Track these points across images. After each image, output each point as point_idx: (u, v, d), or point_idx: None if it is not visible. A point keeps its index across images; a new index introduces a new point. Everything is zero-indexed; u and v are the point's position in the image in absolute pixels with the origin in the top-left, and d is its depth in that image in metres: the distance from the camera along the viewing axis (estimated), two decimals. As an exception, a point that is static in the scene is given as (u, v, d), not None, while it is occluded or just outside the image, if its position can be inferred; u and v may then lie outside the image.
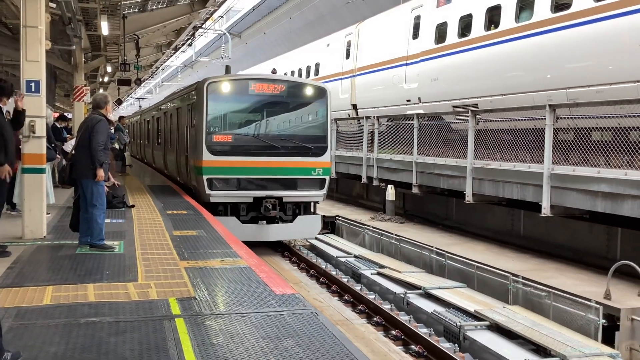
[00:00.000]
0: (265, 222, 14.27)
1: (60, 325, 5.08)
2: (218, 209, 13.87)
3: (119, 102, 42.24)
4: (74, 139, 10.51)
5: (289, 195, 14.36)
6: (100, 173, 7.98)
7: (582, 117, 10.86)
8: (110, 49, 21.70)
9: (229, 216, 13.96)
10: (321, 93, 15.03)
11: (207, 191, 13.65)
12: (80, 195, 8.31)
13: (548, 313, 9.61)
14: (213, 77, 14.45)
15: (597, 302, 8.91)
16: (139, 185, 17.23)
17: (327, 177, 14.73)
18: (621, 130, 9.97)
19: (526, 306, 10.02)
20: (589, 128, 10.60)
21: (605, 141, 10.19)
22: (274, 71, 17.42)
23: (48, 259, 7.62)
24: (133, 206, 12.25)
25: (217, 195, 13.76)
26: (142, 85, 46.85)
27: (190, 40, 29.53)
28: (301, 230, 14.89)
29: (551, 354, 8.02)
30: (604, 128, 10.40)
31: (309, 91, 14.99)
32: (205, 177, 13.59)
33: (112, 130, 15.00)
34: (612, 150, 10.03)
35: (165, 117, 20.41)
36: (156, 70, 42.92)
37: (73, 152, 8.30)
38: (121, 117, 23.42)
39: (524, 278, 10.34)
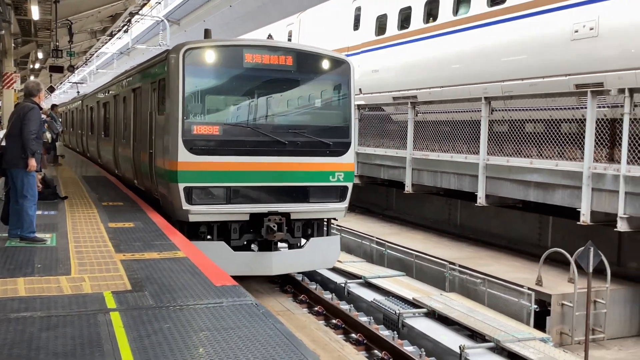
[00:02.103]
0: (259, 247, 10.67)
1: (-12, 321, 4.85)
2: (199, 231, 10.11)
3: (52, 89, 40.74)
4: (4, 129, 9.97)
5: (300, 210, 10.34)
6: (32, 163, 7.64)
7: (517, 110, 11.20)
8: (41, 35, 20.90)
9: (215, 240, 10.02)
10: (343, 68, 10.90)
11: (185, 206, 9.63)
12: (11, 186, 7.96)
13: (483, 299, 9.89)
14: (192, 42, 10.21)
15: (529, 289, 9.23)
16: (72, 176, 16.65)
17: (350, 185, 10.72)
18: (553, 122, 10.32)
19: (462, 293, 10.29)
20: (523, 120, 10.93)
21: (538, 133, 10.53)
22: (269, 37, 13.33)
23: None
24: (66, 197, 11.83)
25: (199, 212, 9.74)
26: (76, 72, 45.33)
27: (126, 27, 28.72)
28: (315, 259, 10.82)
29: (486, 339, 8.26)
30: (537, 120, 10.75)
31: (326, 64, 10.81)
32: (181, 186, 9.60)
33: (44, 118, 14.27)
34: (544, 141, 10.38)
35: (116, 102, 15.82)
36: (90, 57, 41.61)
37: (3, 142, 7.93)
38: (54, 106, 22.56)
39: (460, 266, 10.61)
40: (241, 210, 9.94)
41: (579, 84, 10.41)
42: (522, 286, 9.31)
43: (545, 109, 10.77)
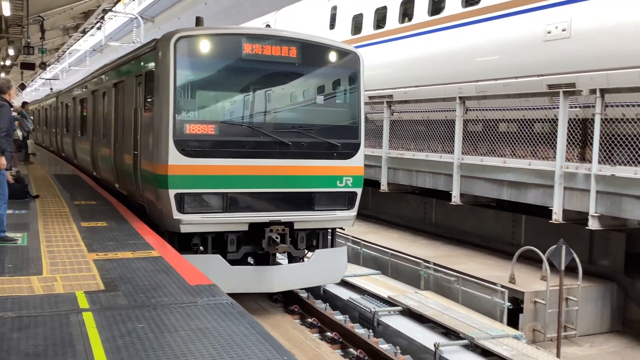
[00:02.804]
0: (256, 261, 9.79)
1: (-44, 322, 4.76)
2: (192, 243, 9.14)
3: (23, 87, 40.05)
4: None
5: (304, 218, 9.40)
6: (2, 161, 7.54)
7: (490, 109, 11.32)
8: (12, 31, 20.48)
9: (209, 254, 9.05)
10: (351, 60, 9.88)
11: (175, 215, 8.67)
12: None
13: (457, 297, 9.98)
14: (184, 29, 9.14)
15: (502, 286, 9.34)
16: (44, 175, 16.40)
17: (359, 191, 9.79)
18: (526, 122, 10.45)
19: (437, 291, 10.37)
20: (497, 120, 11.05)
21: (511, 132, 10.65)
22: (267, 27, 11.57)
23: (-58, 253, 7.11)
24: (37, 196, 11.65)
25: (192, 222, 8.75)
26: (48, 69, 44.63)
27: (99, 24, 28.35)
28: (321, 273, 9.86)
29: (460, 336, 8.33)
30: (511, 120, 10.87)
31: (333, 56, 9.81)
32: (171, 192, 8.61)
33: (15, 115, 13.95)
34: (517, 141, 10.50)
35: (95, 98, 14.66)
36: (63, 54, 41.00)
37: None
38: (24, 103, 22.15)
39: (435, 264, 10.69)
40: (240, 220, 8.98)
41: (552, 84, 10.55)
42: (495, 284, 9.42)
43: (518, 108, 10.90)
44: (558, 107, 9.64)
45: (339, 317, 9.60)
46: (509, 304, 9.20)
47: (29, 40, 21.23)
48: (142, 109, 9.84)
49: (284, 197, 9.22)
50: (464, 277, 9.97)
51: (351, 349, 8.50)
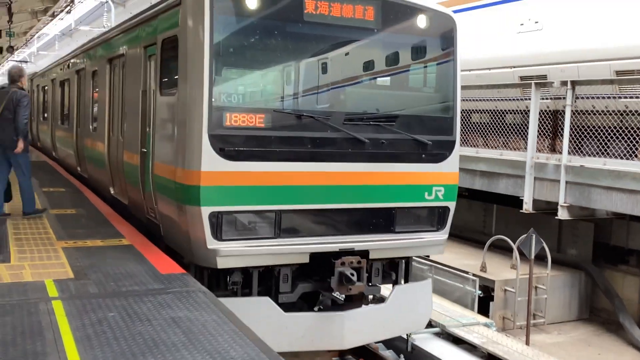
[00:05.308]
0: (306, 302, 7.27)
1: None
2: (230, 281, 6.57)
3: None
4: None
5: (383, 245, 6.95)
6: (22, 145, 8.07)
7: (463, 100, 11.39)
8: (-22, 13, 19.94)
9: (254, 296, 6.57)
10: (445, 27, 7.31)
11: (210, 243, 6.19)
12: (2, 168, 8.29)
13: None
14: None
15: (473, 275, 9.45)
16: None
17: (452, 205, 7.35)
18: (498, 112, 10.55)
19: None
20: (470, 110, 11.14)
21: (484, 123, 10.75)
22: None
23: None
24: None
25: (233, 253, 6.27)
26: (16, 54, 43.65)
27: (68, 7, 27.77)
28: (403, 317, 7.33)
29: (432, 324, 8.41)
30: (483, 110, 10.97)
31: (422, 21, 7.12)
32: (205, 211, 6.13)
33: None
34: (489, 131, 10.61)
35: (81, 79, 12.21)
36: (31, 38, 40.12)
37: None
38: None
39: (407, 253, 10.74)
40: (299, 249, 6.52)
41: (524, 76, 10.66)
42: (467, 272, 9.53)
43: (491, 99, 11.00)
44: (530, 99, 9.75)
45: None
46: (480, 292, 9.32)
47: (-5, 23, 20.69)
48: (156, 92, 7.30)
49: (358, 215, 6.83)
50: (436, 265, 10.06)
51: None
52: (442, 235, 7.33)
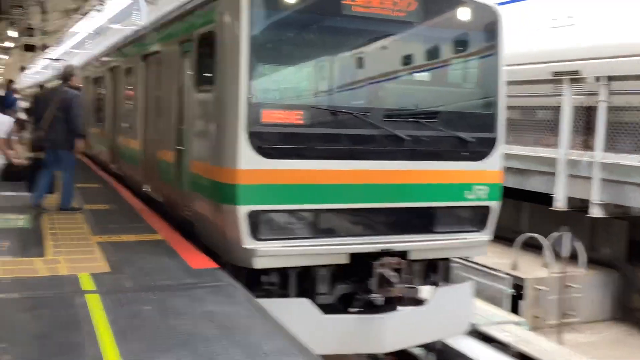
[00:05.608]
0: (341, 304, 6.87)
1: (-39, 302, 4.77)
2: (265, 281, 6.45)
3: (22, 68, 39.94)
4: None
5: (423, 245, 6.81)
6: (82, 144, 8.53)
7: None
8: (14, 12, 20.36)
9: (291, 297, 6.49)
10: (490, 20, 7.08)
11: (247, 242, 6.10)
12: (50, 164, 8.46)
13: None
14: None
15: (505, 273, 9.35)
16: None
17: (496, 205, 7.24)
18: (529, 109, 10.43)
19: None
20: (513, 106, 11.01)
21: (514, 119, 10.63)
22: None
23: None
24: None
25: (271, 253, 6.17)
26: (49, 52, 44.46)
27: (100, 6, 28.18)
28: (444, 321, 7.14)
29: (462, 322, 8.34)
30: (514, 107, 10.84)
31: (465, 14, 7.03)
32: (242, 210, 6.06)
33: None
34: (520, 128, 10.49)
35: (115, 77, 12.41)
36: (64, 36, 40.80)
37: (44, 126, 8.28)
38: (10, 82, 21.00)
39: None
40: (337, 249, 6.38)
41: (557, 71, 10.50)
42: (498, 271, 9.43)
43: (522, 95, 10.86)
44: (562, 95, 9.62)
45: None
46: (512, 290, 9.22)
47: (30, 22, 21.13)
48: (191, 88, 7.31)
49: (398, 215, 6.69)
50: (468, 264, 9.99)
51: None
52: (485, 236, 7.15)
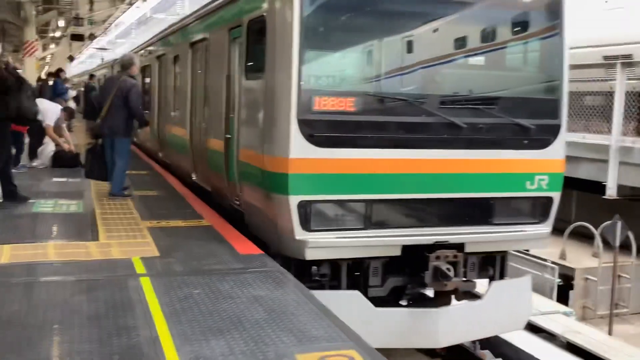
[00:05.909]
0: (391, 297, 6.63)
1: (21, 284, 4.93)
2: (316, 272, 6.23)
3: (71, 58, 40.87)
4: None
5: (479, 238, 6.49)
6: (133, 131, 9.03)
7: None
8: (62, 2, 20.84)
9: (342, 290, 6.25)
10: (551, 4, 6.72)
11: (299, 234, 5.95)
12: (107, 150, 8.57)
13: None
14: None
15: (553, 263, 9.19)
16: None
17: (557, 196, 6.75)
18: (578, 94, 10.16)
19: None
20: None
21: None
22: None
23: (3, 218, 7.37)
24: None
25: (322, 244, 5.98)
26: (95, 41, 45.37)
27: (144, -5, 28.58)
28: (501, 316, 6.83)
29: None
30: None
31: None
32: (294, 200, 5.90)
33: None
34: (569, 114, 10.22)
35: (162, 65, 12.48)
36: (110, 25, 41.59)
37: (103, 112, 8.43)
38: (60, 70, 21.15)
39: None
40: (390, 241, 6.16)
41: (608, 55, 10.21)
42: (546, 260, 9.27)
43: (572, 80, 10.58)
44: (614, 79, 9.34)
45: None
46: (560, 280, 9.06)
47: (78, 11, 21.58)
48: (240, 76, 7.13)
49: (454, 206, 6.40)
50: (514, 253, 9.84)
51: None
52: (545, 228, 6.72)
